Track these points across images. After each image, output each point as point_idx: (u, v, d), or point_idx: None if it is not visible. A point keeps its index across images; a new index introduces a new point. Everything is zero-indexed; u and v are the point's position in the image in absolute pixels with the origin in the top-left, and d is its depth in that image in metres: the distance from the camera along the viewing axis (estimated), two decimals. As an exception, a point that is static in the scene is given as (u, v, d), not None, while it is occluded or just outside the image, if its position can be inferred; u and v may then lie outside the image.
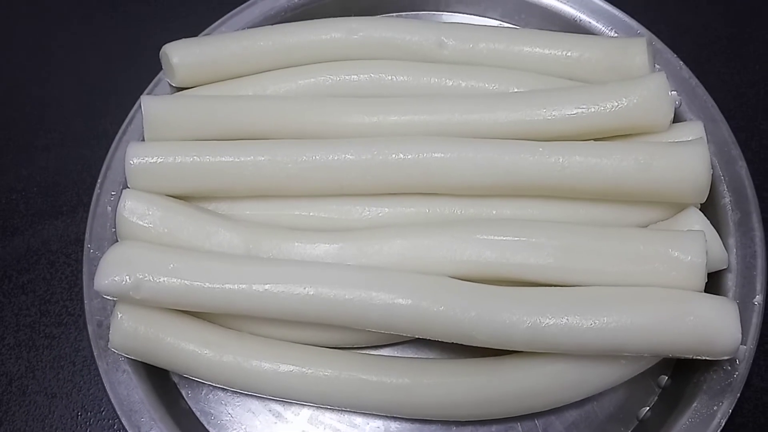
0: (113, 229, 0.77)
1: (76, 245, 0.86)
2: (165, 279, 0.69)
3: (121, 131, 0.84)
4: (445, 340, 0.68)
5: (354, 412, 0.73)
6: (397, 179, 0.74)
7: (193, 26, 0.91)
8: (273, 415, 0.75)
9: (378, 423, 0.74)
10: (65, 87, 1.00)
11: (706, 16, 1.00)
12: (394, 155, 0.73)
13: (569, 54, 0.82)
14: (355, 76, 0.83)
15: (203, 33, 0.90)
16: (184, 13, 1.04)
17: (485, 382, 0.69)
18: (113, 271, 0.69)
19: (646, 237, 0.68)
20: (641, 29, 0.87)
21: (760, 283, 0.72)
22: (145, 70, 0.88)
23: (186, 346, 0.71)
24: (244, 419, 0.75)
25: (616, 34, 0.87)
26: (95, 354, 0.73)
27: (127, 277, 0.68)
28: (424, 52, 0.84)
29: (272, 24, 0.89)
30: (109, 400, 0.72)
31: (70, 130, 0.96)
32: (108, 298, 0.72)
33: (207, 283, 0.68)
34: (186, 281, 0.68)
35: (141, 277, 0.68)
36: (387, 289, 0.66)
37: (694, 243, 0.66)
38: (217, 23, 0.91)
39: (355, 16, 0.89)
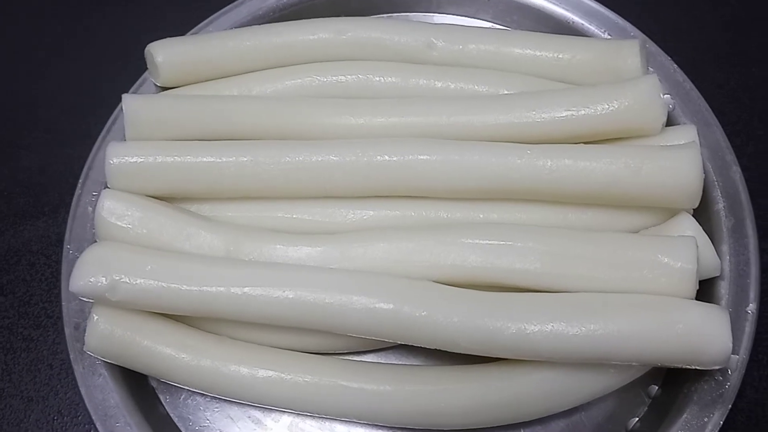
0: (93, 230, 0.76)
1: (57, 246, 0.85)
2: (142, 281, 0.67)
3: (104, 131, 0.83)
4: (428, 346, 0.66)
5: (335, 419, 0.72)
6: (381, 182, 0.72)
7: (181, 26, 0.90)
8: (252, 421, 0.73)
9: (360, 431, 0.72)
10: (50, 86, 0.99)
11: (701, 19, 0.99)
12: (379, 157, 0.72)
13: (561, 56, 0.80)
14: (343, 77, 0.81)
15: (190, 32, 0.89)
16: (172, 12, 1.03)
17: (469, 390, 0.67)
18: (89, 272, 0.67)
19: (635, 242, 0.66)
20: (635, 31, 0.85)
21: (754, 291, 0.70)
22: (132, 70, 0.87)
23: (163, 350, 0.69)
24: (222, 425, 0.73)
25: (609, 36, 0.86)
26: (71, 357, 0.72)
27: (103, 278, 0.67)
28: (413, 53, 0.83)
29: (260, 24, 0.88)
30: (86, 404, 0.70)
31: (54, 129, 0.95)
32: (84, 299, 0.70)
33: (184, 286, 0.67)
34: (163, 283, 0.67)
35: (117, 278, 0.67)
36: (368, 293, 0.65)
37: (685, 249, 0.65)
38: (204, 23, 0.90)
39: (344, 16, 0.87)
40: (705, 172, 0.70)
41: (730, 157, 0.76)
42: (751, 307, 0.70)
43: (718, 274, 0.71)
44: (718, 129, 0.78)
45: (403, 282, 0.66)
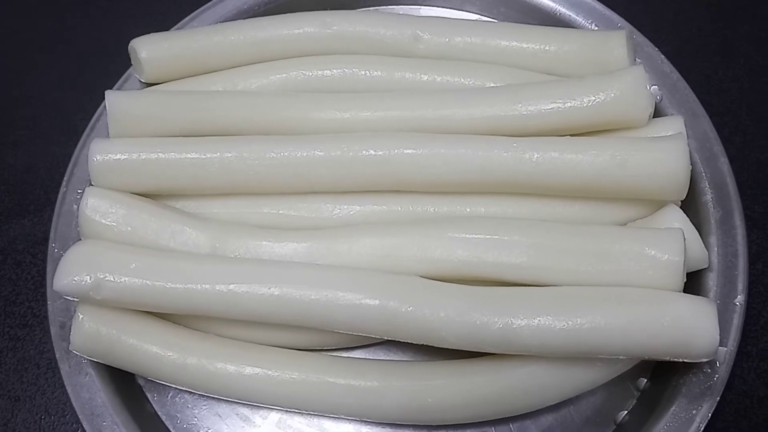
0: (79, 228, 0.75)
1: (43, 245, 0.84)
2: (126, 279, 0.67)
3: (88, 128, 0.83)
4: (414, 342, 0.66)
5: (323, 415, 0.71)
6: (367, 176, 0.72)
7: (166, 21, 0.89)
8: (240, 418, 0.73)
9: (348, 427, 0.72)
10: (36, 83, 0.98)
11: (689, 10, 0.98)
12: (364, 151, 0.71)
13: (547, 48, 0.80)
14: (328, 71, 0.81)
15: (174, 28, 0.88)
16: (157, 8, 1.02)
17: (457, 386, 0.67)
18: (73, 271, 0.67)
19: (621, 235, 0.66)
20: (622, 22, 0.85)
21: (742, 282, 0.70)
22: (118, 66, 0.86)
23: (149, 348, 0.69)
24: (210, 423, 0.73)
25: (596, 28, 0.85)
26: (57, 356, 0.72)
27: (88, 277, 0.66)
28: (399, 46, 0.82)
29: (245, 19, 0.87)
30: (73, 403, 0.70)
31: (39, 126, 0.94)
32: (69, 298, 0.70)
33: (169, 283, 0.66)
34: (147, 281, 0.66)
35: (102, 276, 0.67)
36: (354, 289, 0.65)
37: (672, 241, 0.64)
38: (188, 18, 0.89)
39: (330, 10, 0.86)
40: (692, 163, 0.70)
41: (718, 148, 0.76)
42: (739, 299, 0.69)
43: (705, 266, 0.71)
44: (705, 120, 0.78)
45: (390, 277, 0.66)
